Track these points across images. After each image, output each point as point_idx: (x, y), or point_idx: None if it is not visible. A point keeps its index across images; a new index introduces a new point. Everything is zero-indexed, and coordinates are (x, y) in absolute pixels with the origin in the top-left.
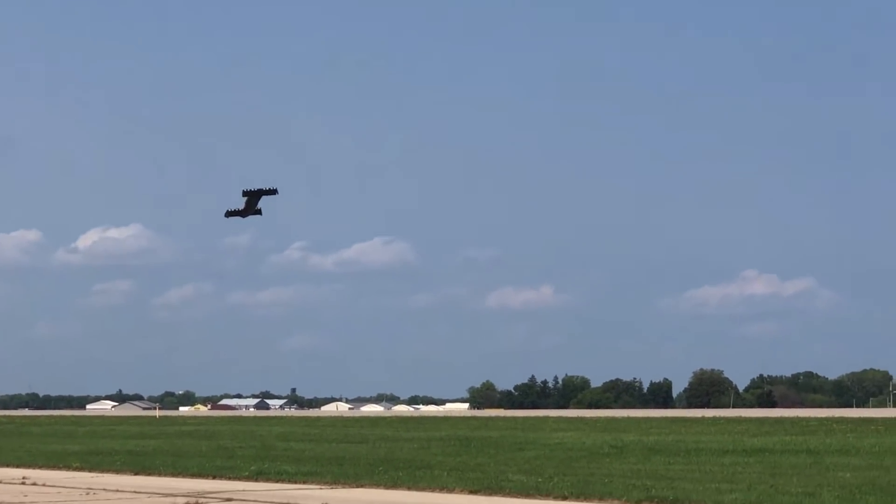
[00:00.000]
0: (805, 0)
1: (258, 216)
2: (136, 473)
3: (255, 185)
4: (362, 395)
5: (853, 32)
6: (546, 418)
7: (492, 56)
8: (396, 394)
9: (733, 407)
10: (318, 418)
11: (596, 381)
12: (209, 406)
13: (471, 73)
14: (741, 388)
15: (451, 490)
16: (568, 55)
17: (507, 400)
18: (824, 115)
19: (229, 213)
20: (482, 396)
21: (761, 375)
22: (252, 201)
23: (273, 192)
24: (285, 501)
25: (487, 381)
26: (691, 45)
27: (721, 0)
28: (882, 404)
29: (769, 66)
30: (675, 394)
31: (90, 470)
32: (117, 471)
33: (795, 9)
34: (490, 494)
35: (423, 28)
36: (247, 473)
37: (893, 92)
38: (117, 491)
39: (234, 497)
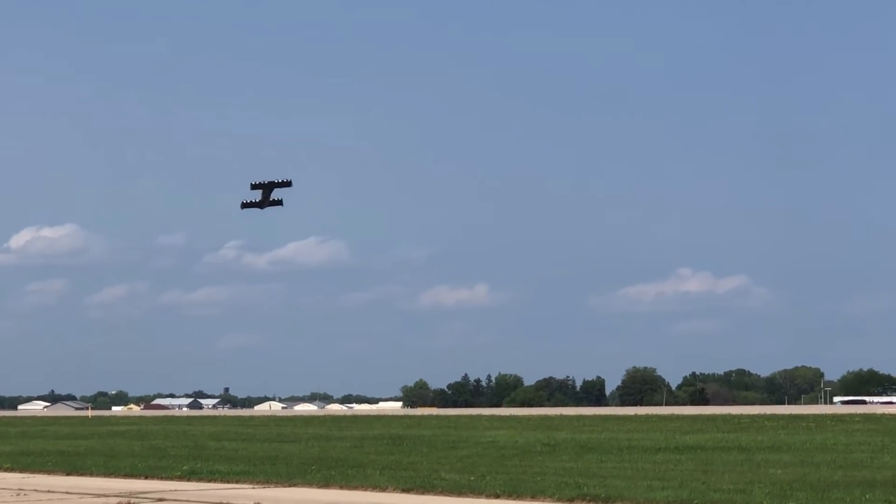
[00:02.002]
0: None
1: (279, 206)
2: (68, 474)
3: (265, 178)
4: (295, 395)
5: (787, 34)
6: (479, 417)
7: (422, 58)
8: (330, 393)
9: (666, 405)
10: (251, 417)
11: (529, 380)
12: (142, 406)
13: (401, 76)
14: (674, 386)
15: (383, 489)
16: (498, 59)
17: (441, 398)
18: (755, 116)
19: (245, 205)
20: (415, 395)
21: (694, 373)
22: (267, 193)
23: (287, 184)
24: (218, 501)
25: (421, 379)
26: (622, 48)
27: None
28: (813, 401)
29: (700, 67)
30: (608, 392)
31: (21, 471)
32: (49, 471)
33: (723, 10)
34: (422, 493)
35: (360, 32)
36: (179, 473)
37: (822, 93)
38: (49, 492)
39: (167, 497)
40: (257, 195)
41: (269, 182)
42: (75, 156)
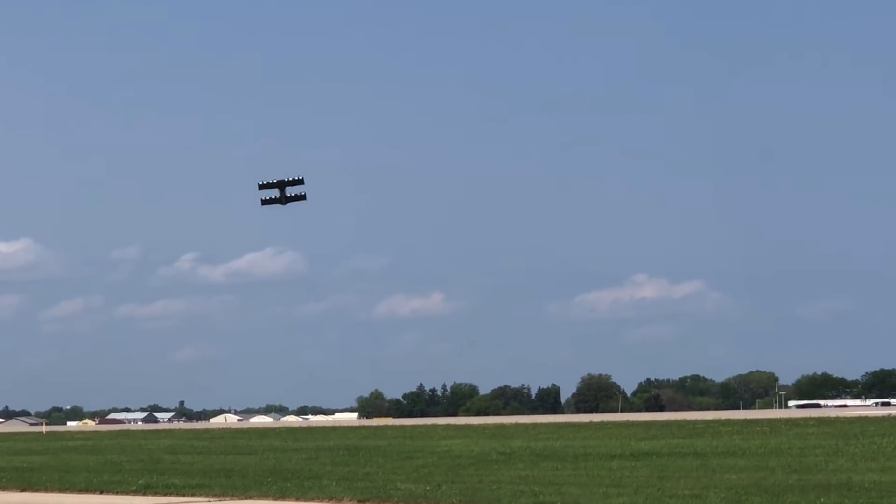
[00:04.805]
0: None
1: (302, 201)
2: (23, 490)
3: (273, 178)
4: (251, 407)
5: (738, 36)
6: (434, 426)
7: (375, 63)
8: (285, 404)
9: (621, 411)
10: (207, 430)
11: (484, 388)
12: (97, 421)
13: (358, 82)
14: (629, 393)
15: (339, 499)
16: (451, 62)
17: (396, 408)
18: (709, 119)
19: (265, 202)
20: (371, 405)
21: (649, 379)
22: (283, 190)
23: (299, 181)
24: None
25: (376, 389)
26: (574, 50)
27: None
28: (768, 405)
29: (652, 68)
30: (563, 399)
31: None
32: (3, 488)
33: (681, 9)
34: (379, 503)
35: (299, 38)
36: (135, 488)
37: (778, 96)
38: None
39: None
40: (275, 192)
41: (278, 181)
42: (29, 170)
